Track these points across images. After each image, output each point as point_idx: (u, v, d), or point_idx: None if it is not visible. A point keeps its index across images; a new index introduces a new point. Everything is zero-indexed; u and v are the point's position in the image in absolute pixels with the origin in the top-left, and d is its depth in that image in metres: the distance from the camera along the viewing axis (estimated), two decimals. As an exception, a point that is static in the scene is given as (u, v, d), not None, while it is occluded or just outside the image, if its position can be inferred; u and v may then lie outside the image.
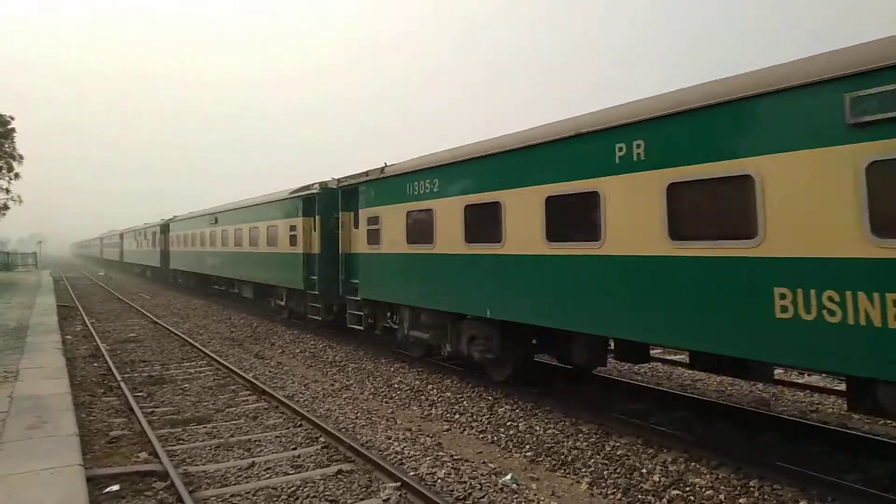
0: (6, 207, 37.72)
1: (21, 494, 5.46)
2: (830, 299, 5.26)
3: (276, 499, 6.08)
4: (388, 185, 12.62)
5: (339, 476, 6.64)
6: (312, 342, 15.75)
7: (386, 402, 9.90)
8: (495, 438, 7.97)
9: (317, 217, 16.20)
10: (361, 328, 14.20)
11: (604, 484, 6.40)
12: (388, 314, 13.30)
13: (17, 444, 6.76)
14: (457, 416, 8.94)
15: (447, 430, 8.39)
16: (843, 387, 9.91)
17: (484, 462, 7.10)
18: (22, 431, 7.23)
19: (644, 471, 6.65)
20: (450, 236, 10.45)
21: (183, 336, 16.86)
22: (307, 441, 7.89)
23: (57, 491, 5.55)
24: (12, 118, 35.75)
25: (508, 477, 6.52)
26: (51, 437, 7.03)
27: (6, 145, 35.92)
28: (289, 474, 6.73)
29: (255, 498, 6.11)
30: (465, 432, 8.29)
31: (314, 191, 16.43)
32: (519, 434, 8.03)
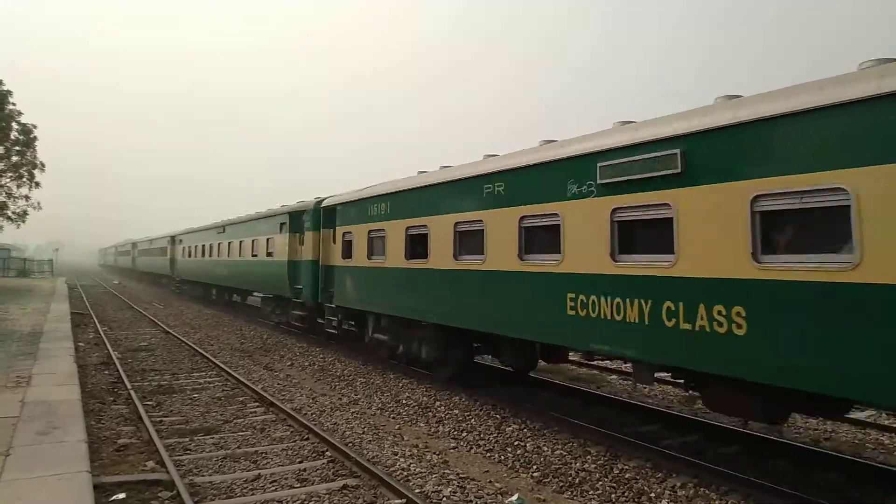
0: (25, 214, 38.29)
1: (29, 499, 5.50)
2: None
3: (280, 512, 6.07)
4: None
5: (344, 491, 6.61)
6: (322, 355, 15.77)
7: (393, 418, 9.87)
8: (502, 458, 7.90)
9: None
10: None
11: (611, 507, 6.31)
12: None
13: (26, 449, 6.82)
14: (464, 434, 8.89)
15: (454, 448, 8.34)
16: (856, 415, 9.77)
17: (490, 481, 7.04)
18: (32, 437, 7.29)
19: (652, 495, 6.56)
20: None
21: (193, 346, 16.96)
22: (313, 455, 7.88)
23: (64, 497, 5.58)
24: (35, 126, 36.47)
25: (515, 497, 6.46)
26: (60, 444, 7.08)
27: (28, 154, 36.59)
28: (294, 488, 6.71)
29: (259, 510, 6.10)
30: (472, 450, 8.24)
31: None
32: (526, 454, 7.96)
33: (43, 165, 37.57)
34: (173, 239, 39.37)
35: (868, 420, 9.56)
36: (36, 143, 36.75)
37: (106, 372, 13.36)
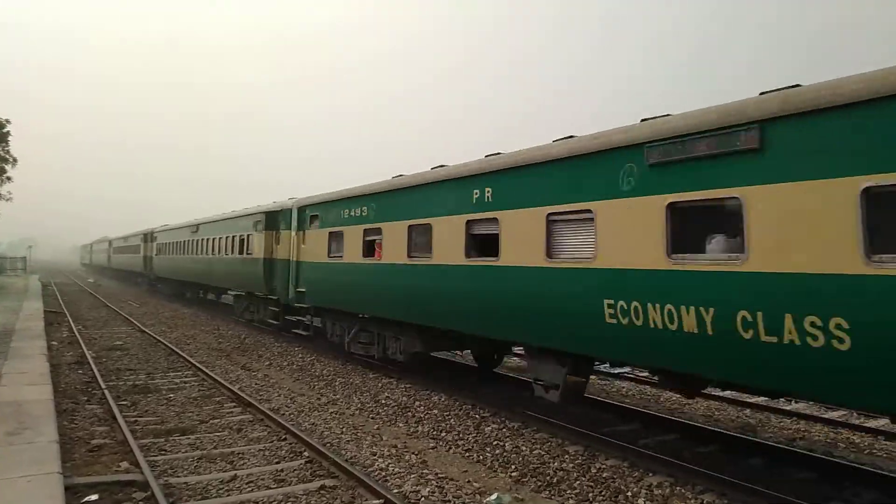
0: None
1: (-3, 502, 5.37)
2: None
3: (257, 513, 6.01)
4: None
5: (321, 491, 6.56)
6: (300, 355, 15.65)
7: (372, 418, 9.83)
8: (481, 457, 7.91)
9: None
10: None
11: (588, 506, 6.35)
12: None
13: (-5, 451, 6.66)
14: (443, 434, 8.88)
15: (433, 448, 8.33)
16: (829, 415, 9.97)
17: (469, 481, 7.05)
18: (1, 437, 7.12)
19: (629, 494, 6.62)
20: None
21: (170, 345, 16.73)
22: (291, 455, 7.81)
23: (35, 499, 5.47)
24: (8, 121, 35.70)
25: (493, 497, 6.47)
26: (30, 444, 6.93)
27: (0, 148, 35.80)
28: (271, 488, 6.65)
29: (235, 511, 6.03)
30: (451, 450, 8.23)
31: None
32: (505, 454, 7.98)
33: (15, 160, 36.82)
34: (269, 217, 19.00)
35: (840, 420, 9.75)
36: (9, 138, 35.98)
37: (80, 371, 13.11)
